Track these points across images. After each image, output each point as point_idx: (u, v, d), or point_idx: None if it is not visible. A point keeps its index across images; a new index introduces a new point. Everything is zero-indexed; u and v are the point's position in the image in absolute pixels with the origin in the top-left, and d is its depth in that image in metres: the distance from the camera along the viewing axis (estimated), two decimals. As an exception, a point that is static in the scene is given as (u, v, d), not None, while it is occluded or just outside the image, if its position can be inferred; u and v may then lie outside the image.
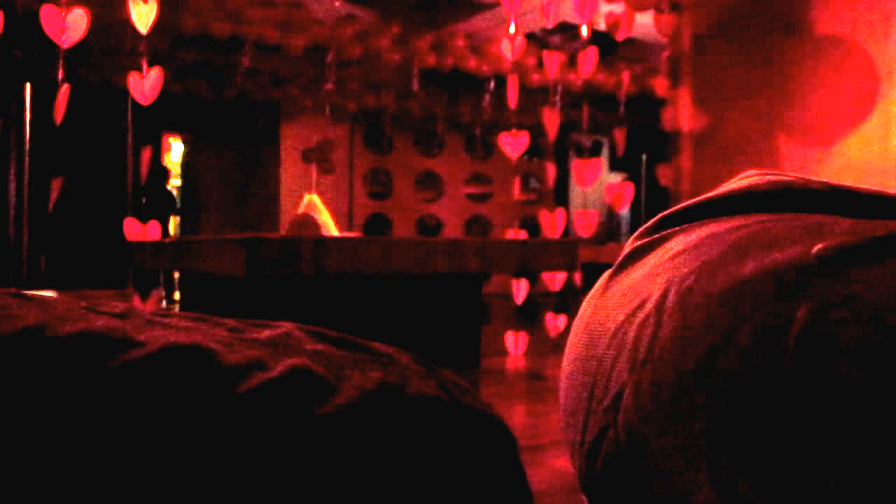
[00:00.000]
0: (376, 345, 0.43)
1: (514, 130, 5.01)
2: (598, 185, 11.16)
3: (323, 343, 0.42)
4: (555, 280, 5.12)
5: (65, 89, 3.99)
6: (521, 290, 5.29)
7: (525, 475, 0.41)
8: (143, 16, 3.85)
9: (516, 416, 3.35)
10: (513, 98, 4.87)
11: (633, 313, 0.38)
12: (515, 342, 5.06)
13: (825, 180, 0.42)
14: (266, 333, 0.41)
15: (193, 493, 0.32)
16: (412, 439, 0.36)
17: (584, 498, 0.42)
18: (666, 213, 0.43)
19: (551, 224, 5.19)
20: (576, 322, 0.44)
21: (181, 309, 3.72)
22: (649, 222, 0.44)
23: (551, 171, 6.01)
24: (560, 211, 5.29)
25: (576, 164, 5.45)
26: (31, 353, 0.34)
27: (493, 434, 0.40)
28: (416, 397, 0.37)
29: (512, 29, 4.78)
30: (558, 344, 5.05)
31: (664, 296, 0.36)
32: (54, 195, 4.13)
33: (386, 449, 0.35)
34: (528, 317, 6.10)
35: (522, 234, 5.43)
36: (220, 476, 0.33)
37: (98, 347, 0.35)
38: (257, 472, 0.33)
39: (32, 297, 0.40)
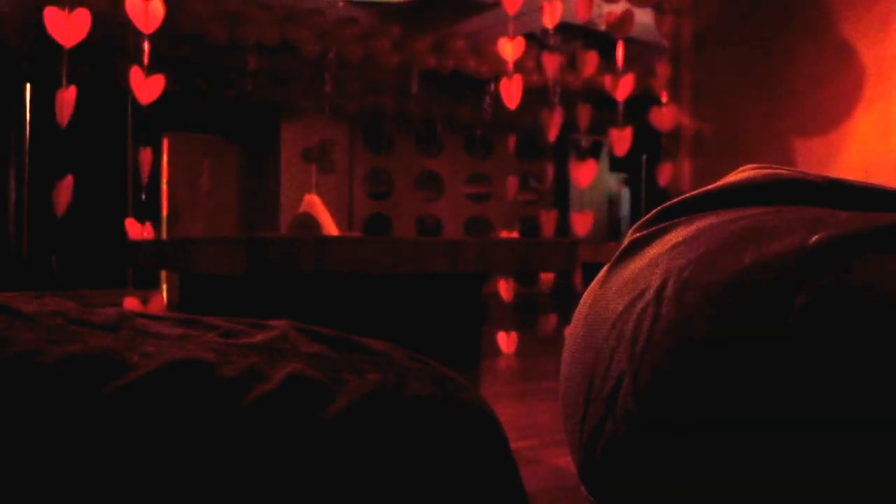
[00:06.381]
0: (372, 342, 0.44)
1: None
2: (599, 186, 11.18)
3: (319, 344, 0.42)
4: (547, 281, 5.18)
5: (70, 91, 3.98)
6: (509, 289, 5.35)
7: (517, 470, 0.41)
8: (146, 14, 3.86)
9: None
10: (514, 99, 4.88)
11: (632, 303, 0.38)
12: (507, 342, 5.09)
13: (824, 175, 0.43)
14: (260, 336, 0.41)
15: None
16: (409, 441, 0.36)
17: (583, 490, 0.42)
18: (665, 205, 0.44)
19: (547, 224, 5.27)
20: (575, 314, 0.44)
21: (181, 310, 3.73)
22: (648, 214, 0.44)
23: (549, 172, 6.07)
24: (553, 212, 5.36)
25: (573, 166, 5.53)
26: (21, 383, 0.33)
27: (487, 430, 0.40)
28: (413, 398, 0.38)
29: (511, 29, 4.79)
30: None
31: (663, 286, 0.37)
32: (65, 197, 4.11)
33: (384, 452, 0.35)
34: (525, 317, 6.11)
35: (513, 234, 5.50)
36: (223, 493, 0.33)
37: (91, 373, 0.34)
38: (259, 485, 0.33)
39: (20, 312, 0.39)
